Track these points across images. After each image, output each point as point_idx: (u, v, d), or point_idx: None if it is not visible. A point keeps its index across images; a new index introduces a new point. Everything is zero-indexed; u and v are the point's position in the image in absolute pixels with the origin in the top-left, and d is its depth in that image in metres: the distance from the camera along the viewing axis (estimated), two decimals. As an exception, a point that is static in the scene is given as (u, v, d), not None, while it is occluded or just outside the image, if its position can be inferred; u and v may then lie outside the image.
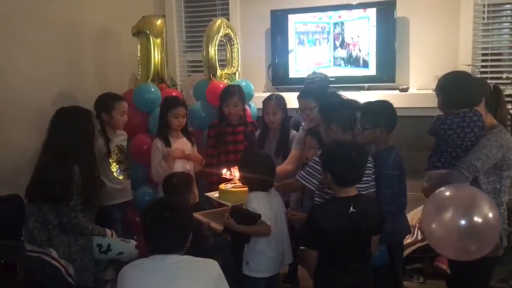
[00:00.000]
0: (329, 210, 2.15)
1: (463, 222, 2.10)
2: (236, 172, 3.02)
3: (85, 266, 2.53)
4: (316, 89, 3.36)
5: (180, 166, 3.34)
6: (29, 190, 2.50)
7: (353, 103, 2.69)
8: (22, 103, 3.33)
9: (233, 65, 4.08)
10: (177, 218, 1.89)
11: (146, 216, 1.93)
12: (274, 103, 3.43)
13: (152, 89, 3.72)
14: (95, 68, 4.08)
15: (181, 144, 3.40)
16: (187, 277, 1.83)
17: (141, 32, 3.78)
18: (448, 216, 2.13)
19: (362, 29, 4.20)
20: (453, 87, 2.47)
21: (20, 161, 3.05)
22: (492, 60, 4.02)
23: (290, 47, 4.47)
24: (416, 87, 4.13)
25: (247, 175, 2.65)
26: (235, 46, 4.08)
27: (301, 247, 2.28)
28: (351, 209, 2.10)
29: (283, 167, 3.14)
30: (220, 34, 3.89)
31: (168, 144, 3.34)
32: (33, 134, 3.25)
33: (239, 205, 2.70)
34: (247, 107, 3.92)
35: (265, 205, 2.55)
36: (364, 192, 2.39)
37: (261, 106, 3.53)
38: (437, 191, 2.25)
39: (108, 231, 2.66)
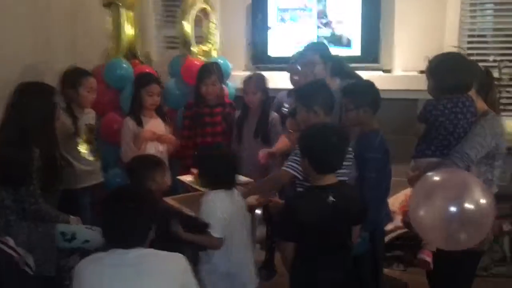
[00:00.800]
0: (307, 200, 2.01)
1: (453, 208, 1.96)
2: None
3: (47, 255, 2.36)
4: (324, 47, 3.19)
5: (153, 147, 3.17)
6: None
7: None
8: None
9: (210, 41, 3.89)
10: (137, 210, 1.71)
11: (103, 207, 1.76)
12: (254, 82, 3.29)
13: (124, 65, 3.53)
14: (65, 41, 3.83)
15: (155, 124, 3.23)
16: (151, 273, 1.68)
17: (112, 3, 3.56)
18: (438, 202, 2.00)
19: (346, 7, 4.03)
20: (447, 70, 2.33)
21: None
22: (478, 42, 3.92)
23: (270, 24, 4.28)
24: (401, 69, 4.00)
25: (206, 171, 2.36)
26: (212, 21, 3.87)
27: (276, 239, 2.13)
28: (331, 198, 1.97)
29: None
30: (196, 8, 3.68)
31: (140, 124, 3.17)
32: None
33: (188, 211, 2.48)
34: (225, 87, 3.74)
35: (227, 206, 2.25)
36: (344, 179, 2.27)
37: (239, 85, 3.38)
38: (426, 175, 2.13)
39: (73, 218, 2.49)
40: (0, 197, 2.28)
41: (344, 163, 2.14)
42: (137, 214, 1.71)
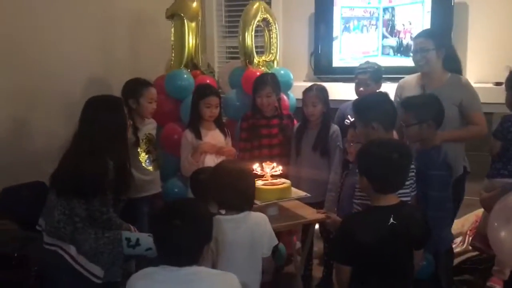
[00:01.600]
0: (366, 221, 1.87)
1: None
2: (267, 168, 2.81)
3: (114, 260, 2.38)
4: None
5: (211, 160, 3.11)
6: (58, 182, 2.36)
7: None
8: (53, 87, 3.24)
9: (271, 51, 3.84)
10: (190, 227, 1.64)
11: (155, 222, 1.72)
12: (315, 94, 3.18)
13: (185, 76, 3.54)
14: (129, 52, 3.96)
15: (213, 136, 3.19)
16: None
17: (175, 14, 3.60)
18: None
19: (415, 15, 3.86)
20: None
21: (47, 147, 2.96)
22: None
23: (334, 34, 4.18)
24: (474, 80, 3.73)
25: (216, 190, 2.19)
26: (274, 31, 3.82)
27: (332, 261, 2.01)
28: (391, 220, 1.82)
29: None
30: (258, 18, 3.65)
31: (199, 136, 3.13)
32: (62, 119, 3.19)
33: None
34: (286, 98, 3.67)
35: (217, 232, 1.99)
36: (406, 199, 2.11)
37: (301, 96, 3.29)
38: (506, 197, 1.96)
39: (132, 228, 2.51)
40: (71, 205, 2.32)
41: (407, 182, 2.00)
42: (190, 230, 1.64)
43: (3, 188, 2.90)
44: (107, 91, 3.46)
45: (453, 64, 2.88)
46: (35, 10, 3.19)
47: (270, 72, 3.55)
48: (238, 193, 2.08)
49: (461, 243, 3.33)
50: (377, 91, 2.37)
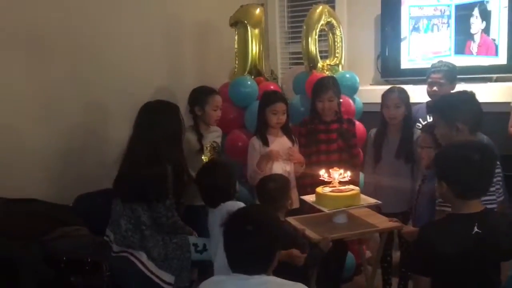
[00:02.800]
0: (446, 230, 1.72)
1: None
2: (335, 174, 2.71)
3: (183, 265, 2.40)
4: (450, 70, 3.09)
5: (279, 167, 3.04)
6: (120, 190, 2.41)
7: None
8: (121, 99, 3.33)
9: (336, 55, 3.74)
10: (263, 233, 1.60)
11: (225, 229, 1.68)
12: (397, 96, 3.03)
13: (249, 83, 3.52)
14: (194, 62, 4.00)
15: (281, 143, 3.11)
16: None
17: (238, 22, 3.59)
18: None
19: (490, 11, 3.61)
20: None
21: (116, 156, 3.02)
22: None
23: (403, 35, 4.02)
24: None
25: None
26: (338, 35, 3.71)
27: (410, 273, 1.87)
28: (475, 229, 1.67)
29: None
30: (321, 22, 3.56)
31: (266, 143, 3.08)
32: (131, 129, 3.25)
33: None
34: (352, 102, 3.56)
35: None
36: (492, 206, 1.94)
37: (367, 100, 3.17)
38: None
39: (192, 231, 2.51)
40: (137, 214, 2.34)
41: (491, 188, 1.83)
42: (259, 239, 1.59)
43: (78, 195, 3.00)
44: (173, 100, 3.51)
45: None
46: (106, 28, 3.29)
47: (330, 75, 3.44)
48: None
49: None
50: (462, 90, 2.18)
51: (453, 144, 1.85)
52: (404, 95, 3.05)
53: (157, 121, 2.42)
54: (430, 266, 1.71)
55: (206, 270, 2.68)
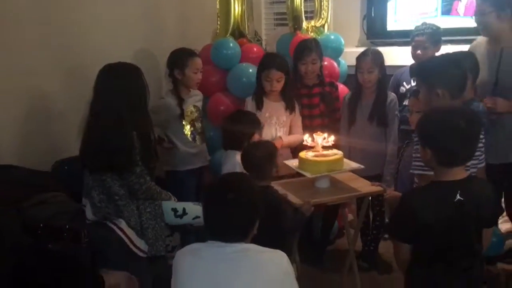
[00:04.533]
0: (429, 198, 1.69)
1: None
2: (319, 139, 2.67)
3: (157, 235, 2.36)
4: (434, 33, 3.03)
5: (269, 133, 2.99)
6: (87, 160, 2.32)
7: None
8: (98, 62, 3.18)
9: (322, 16, 3.63)
10: (242, 203, 1.58)
11: (205, 196, 1.65)
12: (370, 59, 2.97)
13: (231, 44, 3.41)
14: (175, 22, 3.85)
15: (274, 109, 3.03)
16: (249, 272, 1.54)
17: (220, -20, 3.45)
18: None
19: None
20: None
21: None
22: None
23: (389, -5, 3.92)
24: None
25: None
26: (325, -5, 3.60)
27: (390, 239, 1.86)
28: (458, 196, 1.65)
29: None
30: (307, -19, 3.44)
31: (260, 106, 3.00)
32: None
33: None
34: (336, 65, 3.48)
35: None
36: (472, 171, 1.92)
37: (352, 62, 3.10)
38: None
39: (171, 195, 2.46)
40: (107, 184, 2.28)
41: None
42: (244, 205, 1.58)
43: (56, 160, 2.92)
44: (153, 62, 3.42)
45: None
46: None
47: (313, 37, 3.35)
48: None
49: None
50: (458, 51, 2.11)
51: (437, 110, 1.80)
52: (378, 58, 2.99)
53: (117, 85, 2.30)
54: (411, 233, 1.71)
55: (188, 234, 2.67)
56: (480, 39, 2.82)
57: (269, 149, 2.49)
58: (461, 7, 3.71)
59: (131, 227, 2.29)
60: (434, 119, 1.73)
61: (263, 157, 2.42)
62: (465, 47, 3.24)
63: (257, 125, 2.82)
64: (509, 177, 2.59)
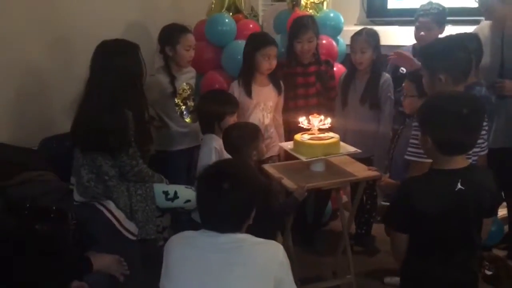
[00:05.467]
0: (429, 187, 1.62)
1: None
2: (315, 121, 2.59)
3: (148, 217, 2.30)
4: (439, 13, 2.92)
5: (256, 118, 2.88)
6: (79, 139, 2.25)
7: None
8: (88, 36, 3.05)
9: (321, -8, 3.51)
10: (238, 193, 1.49)
11: (198, 184, 1.57)
12: (364, 39, 2.88)
13: (226, 20, 3.29)
14: (170, -4, 3.72)
15: (265, 94, 2.91)
16: (243, 263, 1.48)
17: (216, -48, 3.32)
18: None
19: None
20: None
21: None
22: None
23: (391, -29, 3.80)
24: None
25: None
26: (324, -31, 3.47)
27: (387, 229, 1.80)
28: (459, 185, 1.58)
29: None
30: (307, -45, 3.31)
31: (249, 93, 2.86)
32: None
33: None
34: (335, 44, 3.38)
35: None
36: (473, 159, 1.85)
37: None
38: None
39: (163, 178, 2.40)
40: (98, 163, 2.21)
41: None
42: (236, 197, 1.50)
43: (44, 138, 2.83)
44: (146, 38, 3.30)
45: None
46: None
47: (309, 14, 3.24)
48: None
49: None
50: (462, 32, 2.01)
51: (439, 96, 1.71)
52: (373, 38, 2.90)
53: (114, 64, 2.21)
54: (409, 223, 1.64)
55: (179, 217, 2.62)
56: (484, 23, 2.74)
57: (249, 131, 2.37)
58: (464, -14, 3.59)
59: (120, 209, 2.23)
60: (436, 106, 1.65)
61: (240, 138, 2.32)
62: (468, 28, 3.16)
63: (228, 106, 2.63)
64: (509, 163, 2.54)
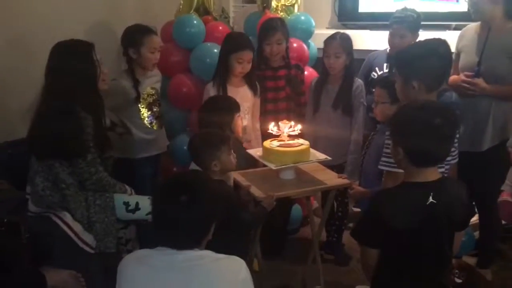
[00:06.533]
0: (400, 201, 1.56)
1: None
2: (285, 128, 2.52)
3: (107, 230, 2.18)
4: (414, 21, 2.90)
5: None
6: (35, 145, 2.12)
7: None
8: (48, 36, 2.90)
9: (292, -6, 3.45)
10: (196, 207, 1.40)
11: (154, 197, 1.48)
12: (338, 43, 2.83)
13: (194, 22, 3.18)
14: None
15: (241, 95, 2.82)
16: (203, 282, 1.39)
17: (184, -49, 3.21)
18: None
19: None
20: None
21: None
22: None
23: (362, -25, 3.77)
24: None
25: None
26: (295, -29, 3.41)
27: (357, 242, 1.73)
28: (430, 199, 1.53)
29: None
30: (277, -44, 3.24)
31: (224, 94, 2.78)
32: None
33: None
34: (306, 47, 3.31)
35: None
36: (445, 167, 1.81)
37: (322, 45, 2.95)
38: None
39: (128, 188, 2.28)
40: (55, 170, 2.08)
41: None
42: (193, 211, 1.40)
43: (-3, 143, 2.68)
44: (112, 39, 3.17)
45: None
46: None
47: (278, 16, 3.17)
48: None
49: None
50: (432, 38, 1.98)
51: (410, 106, 1.64)
52: (347, 42, 2.85)
53: (69, 65, 2.11)
54: (380, 238, 1.58)
55: (144, 228, 2.49)
56: (470, 26, 2.72)
57: (212, 139, 2.22)
58: (436, -10, 3.60)
59: (77, 220, 2.10)
60: (407, 116, 1.59)
61: (201, 144, 2.20)
62: (438, 33, 3.14)
63: (234, 107, 2.57)
64: (476, 168, 2.51)
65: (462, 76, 2.43)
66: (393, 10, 3.04)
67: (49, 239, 2.11)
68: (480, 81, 2.45)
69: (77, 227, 2.10)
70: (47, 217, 2.11)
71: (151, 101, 2.80)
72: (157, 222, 1.46)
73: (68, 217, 2.10)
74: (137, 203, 2.21)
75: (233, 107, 2.57)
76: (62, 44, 2.18)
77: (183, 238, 1.42)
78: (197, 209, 1.40)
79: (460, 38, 2.76)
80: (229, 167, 2.25)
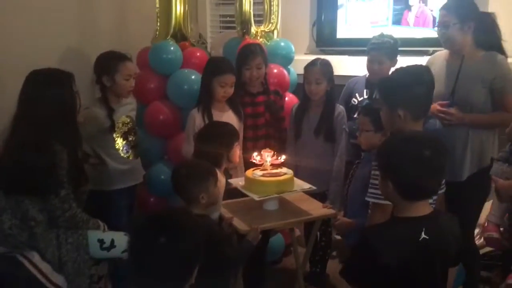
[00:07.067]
0: (390, 238, 1.48)
1: None
2: (267, 156, 2.44)
3: (79, 269, 2.05)
4: (391, 47, 2.89)
5: None
6: (2, 180, 1.99)
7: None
8: (19, 63, 2.78)
9: (271, 21, 3.42)
10: (176, 249, 1.29)
11: (131, 239, 1.36)
12: (319, 69, 2.80)
13: (171, 48, 3.11)
14: (112, 21, 3.51)
15: (228, 119, 2.73)
16: None
17: (161, -24, 3.16)
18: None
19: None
20: None
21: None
22: None
23: (340, 2, 3.81)
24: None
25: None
26: (274, -2, 3.39)
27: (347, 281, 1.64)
28: (423, 235, 1.46)
29: None
30: (256, -17, 3.22)
31: (210, 119, 2.71)
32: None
33: None
34: (286, 73, 3.27)
35: None
36: (433, 199, 1.75)
37: (301, 71, 2.92)
38: None
39: (101, 224, 2.16)
40: (24, 207, 1.96)
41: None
42: (173, 253, 1.29)
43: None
44: (86, 66, 3.05)
45: (488, 40, 2.49)
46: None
47: (257, 42, 3.13)
48: None
49: (478, 237, 3.01)
50: (414, 64, 1.95)
51: (397, 137, 1.59)
52: (327, 68, 2.82)
53: (47, 94, 2.02)
54: (371, 277, 1.49)
55: (117, 265, 2.36)
56: (439, 53, 2.71)
57: (199, 170, 2.12)
58: (411, 17, 3.62)
59: (46, 261, 1.97)
60: (395, 148, 1.52)
61: (188, 177, 2.08)
62: (415, 59, 3.14)
63: (234, 134, 2.49)
64: (458, 197, 2.47)
65: (437, 106, 2.40)
66: (370, 36, 3.03)
67: (14, 281, 1.97)
68: (455, 111, 2.43)
69: (46, 267, 1.97)
70: (13, 257, 1.96)
71: (126, 130, 2.69)
72: (133, 265, 1.34)
73: (36, 257, 1.96)
74: (112, 241, 2.09)
75: (233, 135, 2.48)
76: (40, 72, 2.09)
77: (161, 285, 1.31)
78: (177, 252, 1.29)
79: (429, 65, 2.74)
80: (216, 199, 2.16)
